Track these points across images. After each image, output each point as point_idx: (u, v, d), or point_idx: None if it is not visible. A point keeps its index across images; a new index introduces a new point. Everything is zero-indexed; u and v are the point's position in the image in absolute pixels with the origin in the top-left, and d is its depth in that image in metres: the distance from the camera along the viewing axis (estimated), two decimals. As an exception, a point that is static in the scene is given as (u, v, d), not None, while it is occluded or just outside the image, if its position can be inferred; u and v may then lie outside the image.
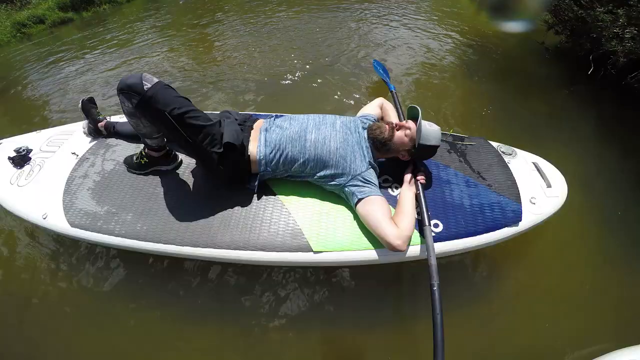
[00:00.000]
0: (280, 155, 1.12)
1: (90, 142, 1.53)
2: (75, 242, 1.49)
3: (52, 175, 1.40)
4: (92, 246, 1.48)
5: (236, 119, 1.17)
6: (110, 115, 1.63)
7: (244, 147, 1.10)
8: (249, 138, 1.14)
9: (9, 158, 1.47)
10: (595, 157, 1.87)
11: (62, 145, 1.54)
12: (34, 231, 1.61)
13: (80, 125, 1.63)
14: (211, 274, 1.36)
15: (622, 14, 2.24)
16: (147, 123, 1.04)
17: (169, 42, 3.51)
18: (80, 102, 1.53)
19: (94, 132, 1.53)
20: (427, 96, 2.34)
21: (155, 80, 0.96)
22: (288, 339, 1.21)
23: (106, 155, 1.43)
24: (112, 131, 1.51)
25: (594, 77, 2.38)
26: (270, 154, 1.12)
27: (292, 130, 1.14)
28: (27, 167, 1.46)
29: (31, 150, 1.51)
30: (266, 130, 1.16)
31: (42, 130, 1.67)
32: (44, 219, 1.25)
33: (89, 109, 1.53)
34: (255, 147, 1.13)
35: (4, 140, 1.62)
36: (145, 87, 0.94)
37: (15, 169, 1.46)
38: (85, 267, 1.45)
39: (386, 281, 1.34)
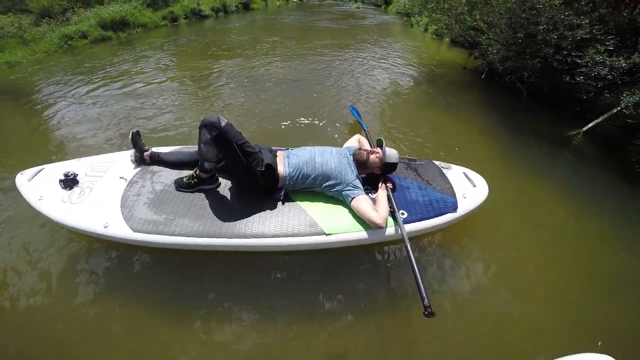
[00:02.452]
0: (299, 174, 1.64)
1: (135, 168, 1.83)
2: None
3: (105, 195, 1.66)
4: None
5: (267, 150, 1.69)
6: (150, 147, 1.95)
7: (275, 168, 1.61)
8: (276, 162, 1.65)
9: (60, 181, 1.69)
10: (508, 159, 2.78)
11: (108, 171, 1.80)
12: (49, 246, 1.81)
13: (119, 155, 1.94)
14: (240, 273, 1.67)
15: (493, 37, 4.04)
16: (215, 149, 1.49)
17: (177, 73, 4.19)
18: (130, 134, 1.82)
19: (140, 160, 1.84)
20: (387, 126, 3.19)
21: (226, 120, 1.46)
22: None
23: (154, 179, 1.76)
24: (157, 160, 1.84)
25: (496, 84, 4.06)
26: (292, 172, 1.64)
27: (305, 157, 1.68)
28: (76, 189, 1.69)
29: (77, 174, 1.74)
30: (287, 157, 1.70)
31: (82, 158, 1.91)
32: (105, 227, 1.51)
33: (137, 141, 1.83)
34: (282, 169, 1.64)
35: (46, 166, 1.84)
36: (222, 124, 1.43)
37: (64, 191, 1.68)
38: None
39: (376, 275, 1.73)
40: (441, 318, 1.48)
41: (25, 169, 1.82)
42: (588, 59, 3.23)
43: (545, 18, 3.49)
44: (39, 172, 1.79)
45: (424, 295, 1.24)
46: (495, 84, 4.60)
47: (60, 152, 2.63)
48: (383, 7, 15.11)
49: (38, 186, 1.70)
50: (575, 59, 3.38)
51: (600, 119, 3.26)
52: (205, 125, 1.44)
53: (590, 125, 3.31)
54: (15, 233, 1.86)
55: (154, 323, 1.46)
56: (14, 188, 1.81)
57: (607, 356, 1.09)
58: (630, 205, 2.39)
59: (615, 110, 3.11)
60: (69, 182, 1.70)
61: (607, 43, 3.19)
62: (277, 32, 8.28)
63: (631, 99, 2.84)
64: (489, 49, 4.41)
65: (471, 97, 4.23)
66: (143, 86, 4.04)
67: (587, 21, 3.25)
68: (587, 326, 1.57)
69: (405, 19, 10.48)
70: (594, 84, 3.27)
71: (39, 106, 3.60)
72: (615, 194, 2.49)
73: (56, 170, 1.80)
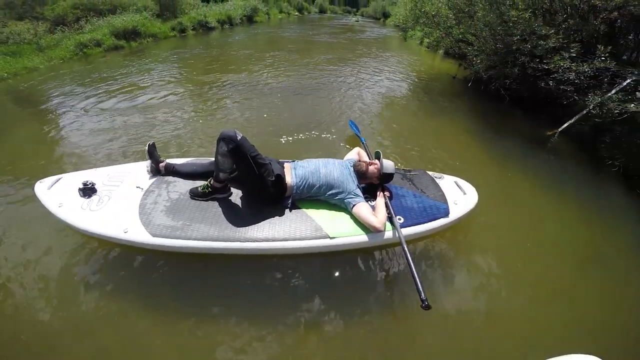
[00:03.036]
0: (305, 183, 1.72)
1: (150, 178, 1.89)
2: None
3: (123, 203, 1.69)
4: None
5: (275, 161, 1.78)
6: (165, 159, 2.01)
7: (283, 178, 1.69)
8: (284, 173, 1.73)
9: (80, 189, 1.73)
10: (492, 158, 2.93)
11: (124, 181, 1.85)
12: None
13: (134, 165, 1.99)
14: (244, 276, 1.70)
15: (477, 48, 4.34)
16: (230, 161, 1.57)
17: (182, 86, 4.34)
18: (147, 146, 1.88)
19: (155, 171, 1.90)
20: (383, 137, 3.28)
21: (241, 134, 1.55)
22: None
23: (169, 188, 1.83)
24: (171, 170, 1.91)
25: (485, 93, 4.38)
26: (299, 182, 1.72)
27: (311, 168, 1.77)
28: (95, 197, 1.73)
29: (95, 183, 1.77)
30: (294, 168, 1.78)
31: (98, 168, 1.97)
32: (125, 232, 1.55)
33: (153, 152, 1.90)
34: (290, 179, 1.72)
35: (64, 175, 1.87)
36: (238, 137, 1.52)
37: (83, 199, 1.71)
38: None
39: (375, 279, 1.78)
40: (439, 316, 1.55)
41: (41, 177, 1.83)
42: (553, 65, 3.46)
43: (518, 30, 3.77)
44: (57, 180, 1.82)
45: (421, 290, 1.32)
46: (481, 92, 4.90)
47: (75, 162, 2.66)
48: (382, 20, 15.29)
49: (57, 194, 1.73)
50: (544, 66, 3.62)
51: (572, 120, 3.49)
52: (223, 139, 1.52)
53: (565, 126, 3.52)
54: (27, 237, 1.86)
55: (150, 324, 1.46)
56: (30, 195, 1.87)
57: (594, 357, 1.07)
58: (600, 196, 2.60)
59: (585, 112, 3.35)
60: (88, 190, 1.74)
61: (571, 50, 3.43)
62: (279, 46, 8.41)
63: (594, 100, 3.09)
64: (474, 59, 4.73)
65: (459, 104, 4.47)
66: (150, 99, 4.10)
67: (552, 31, 3.54)
68: (578, 326, 1.59)
69: (400, 33, 10.68)
70: (565, 88, 3.48)
71: (52, 115, 3.66)
72: (590, 186, 2.72)
73: (74, 179, 1.83)
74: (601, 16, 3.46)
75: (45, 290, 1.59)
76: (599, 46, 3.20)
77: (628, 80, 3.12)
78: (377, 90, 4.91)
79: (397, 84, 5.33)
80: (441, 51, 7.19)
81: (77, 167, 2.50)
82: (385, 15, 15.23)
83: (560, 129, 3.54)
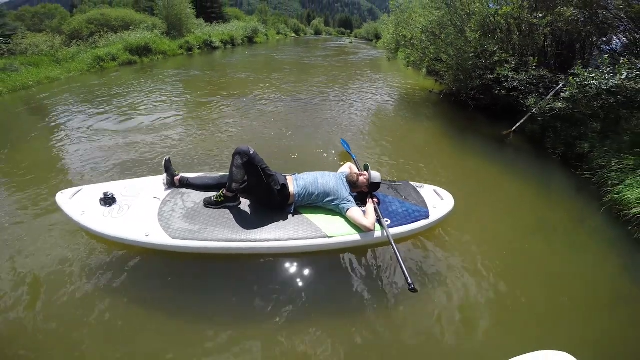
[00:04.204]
0: (306, 192, 1.84)
1: (166, 190, 1.94)
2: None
3: (142, 211, 1.74)
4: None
5: (279, 174, 1.90)
6: (180, 172, 2.07)
7: (287, 187, 1.82)
8: (287, 184, 1.85)
9: (101, 199, 1.76)
10: (459, 156, 3.20)
11: (142, 192, 1.89)
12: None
13: (149, 179, 2.04)
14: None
15: (446, 64, 5.00)
16: (243, 172, 1.68)
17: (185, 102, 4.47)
18: (164, 161, 1.94)
19: (171, 184, 1.96)
20: (372, 152, 3.40)
21: (253, 150, 1.68)
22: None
23: (184, 199, 1.89)
24: (185, 183, 1.97)
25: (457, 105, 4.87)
26: (300, 191, 1.84)
27: (310, 179, 1.89)
28: (115, 206, 1.76)
29: (114, 194, 1.80)
30: (296, 180, 1.90)
31: (116, 181, 2.04)
32: (147, 236, 1.61)
33: (169, 167, 1.94)
34: (292, 189, 1.84)
35: (83, 187, 1.91)
36: (250, 152, 1.64)
37: (104, 207, 1.75)
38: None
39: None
40: (423, 303, 1.61)
41: (61, 188, 1.88)
42: (496, 75, 4.03)
43: (471, 48, 4.48)
44: (77, 192, 1.85)
45: (407, 276, 1.42)
46: (452, 103, 5.44)
47: (91, 175, 2.66)
48: (374, 41, 15.50)
49: (79, 203, 1.76)
50: (493, 76, 4.19)
51: (522, 121, 3.96)
52: (239, 153, 1.65)
53: (516, 126, 3.99)
54: (44, 244, 1.85)
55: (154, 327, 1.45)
56: (49, 205, 1.89)
57: (565, 353, 1.05)
58: (546, 177, 3.08)
59: (530, 114, 3.85)
60: (109, 200, 1.77)
61: (512, 63, 3.99)
62: (277, 69, 8.47)
63: (531, 102, 3.66)
64: (445, 75, 5.46)
65: (434, 114, 5.03)
66: (158, 118, 4.07)
67: (497, 47, 4.22)
68: (548, 322, 1.59)
69: (386, 54, 11.01)
70: (512, 94, 3.99)
71: (65, 128, 3.71)
72: (538, 171, 3.20)
73: (93, 190, 1.86)
74: (537, 32, 4.10)
75: (64, 293, 1.56)
76: (531, 58, 3.85)
77: (560, 85, 3.61)
78: (367, 107, 5.09)
79: (384, 102, 5.60)
80: (424, 70, 7.52)
81: (92, 180, 2.52)
82: (378, 37, 15.49)
83: (513, 129, 4.00)
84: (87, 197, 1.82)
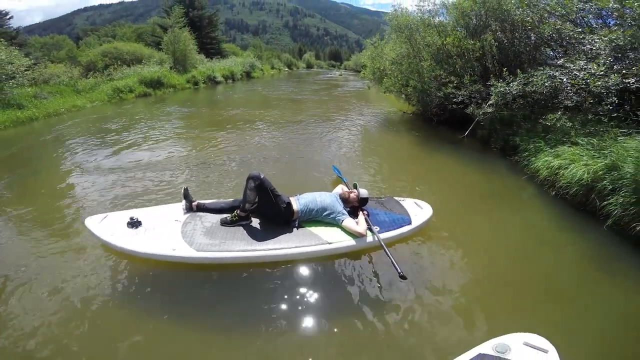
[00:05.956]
0: (307, 208, 1.95)
1: (185, 214, 1.97)
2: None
3: (166, 231, 1.79)
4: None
5: (284, 195, 1.99)
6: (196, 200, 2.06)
7: (291, 205, 1.93)
8: (291, 203, 1.96)
9: (128, 223, 1.79)
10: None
11: (163, 217, 1.92)
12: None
13: (169, 206, 2.07)
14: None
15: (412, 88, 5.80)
16: (255, 194, 1.77)
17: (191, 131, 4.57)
18: (183, 190, 2.01)
19: (189, 209, 1.99)
20: (357, 172, 3.50)
21: (263, 174, 1.79)
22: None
23: (203, 220, 1.93)
24: (202, 208, 2.01)
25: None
26: (302, 208, 1.94)
27: (310, 198, 2.01)
28: (141, 228, 1.80)
29: (139, 218, 1.84)
30: (298, 199, 2.01)
31: (138, 209, 2.04)
32: (174, 250, 1.65)
33: (187, 194, 2.00)
34: (296, 207, 1.95)
35: (109, 214, 1.93)
36: (261, 176, 1.75)
37: (131, 229, 1.78)
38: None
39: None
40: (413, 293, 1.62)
41: (87, 215, 1.91)
42: (444, 93, 4.78)
43: (428, 73, 5.32)
44: (104, 217, 1.87)
45: (397, 266, 1.49)
46: (421, 120, 6.22)
47: (113, 203, 2.59)
48: (362, 72, 15.91)
49: (107, 227, 1.78)
50: (439, 94, 4.99)
51: (471, 127, 4.60)
52: (252, 178, 1.77)
53: (468, 131, 4.62)
54: (76, 268, 1.79)
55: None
56: (76, 229, 1.92)
57: (535, 335, 1.03)
58: (488, 164, 3.84)
59: (476, 119, 4.43)
60: (135, 223, 1.81)
61: (454, 82, 4.66)
62: (274, 105, 8.50)
63: (471, 110, 4.37)
64: (411, 97, 6.26)
65: (406, 130, 5.79)
66: (169, 152, 3.99)
67: (443, 72, 5.00)
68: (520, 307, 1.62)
69: (367, 84, 11.40)
70: (459, 107, 4.64)
71: (86, 157, 3.69)
72: (485, 161, 3.93)
73: (119, 216, 1.89)
74: (472, 55, 4.90)
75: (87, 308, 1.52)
76: (466, 76, 4.60)
77: (492, 96, 4.14)
78: (352, 134, 5.33)
79: (368, 126, 6.11)
80: (403, 95, 7.88)
81: (115, 208, 2.44)
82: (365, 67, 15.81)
83: (465, 134, 4.68)
84: (113, 221, 1.85)
